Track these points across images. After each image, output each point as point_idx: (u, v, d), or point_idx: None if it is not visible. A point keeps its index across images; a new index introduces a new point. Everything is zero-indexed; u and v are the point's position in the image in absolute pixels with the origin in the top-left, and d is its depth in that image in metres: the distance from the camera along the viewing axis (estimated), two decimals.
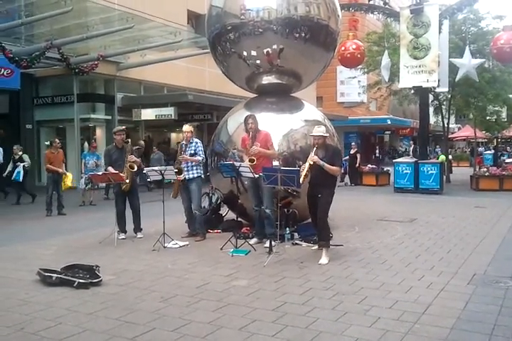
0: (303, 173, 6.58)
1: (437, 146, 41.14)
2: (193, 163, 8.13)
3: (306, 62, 8.75)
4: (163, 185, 8.44)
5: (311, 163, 6.64)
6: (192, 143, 8.19)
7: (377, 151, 32.62)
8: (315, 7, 8.33)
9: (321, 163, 6.62)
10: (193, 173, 8.13)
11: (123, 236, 8.22)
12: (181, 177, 8.00)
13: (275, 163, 7.71)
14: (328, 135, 7.13)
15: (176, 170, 7.95)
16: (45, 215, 11.38)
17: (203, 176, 8.30)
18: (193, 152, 8.14)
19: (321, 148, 6.80)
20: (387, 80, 17.18)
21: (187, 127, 8.32)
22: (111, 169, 8.27)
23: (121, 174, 8.03)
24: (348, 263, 6.48)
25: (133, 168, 8.19)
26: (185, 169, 8.12)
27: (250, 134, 7.53)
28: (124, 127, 8.96)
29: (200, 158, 8.13)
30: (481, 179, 17.28)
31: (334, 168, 6.71)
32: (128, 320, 4.41)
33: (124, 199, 8.51)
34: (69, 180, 11.98)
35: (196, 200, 8.16)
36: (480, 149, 33.06)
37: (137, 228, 8.58)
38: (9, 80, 15.78)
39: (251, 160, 7.28)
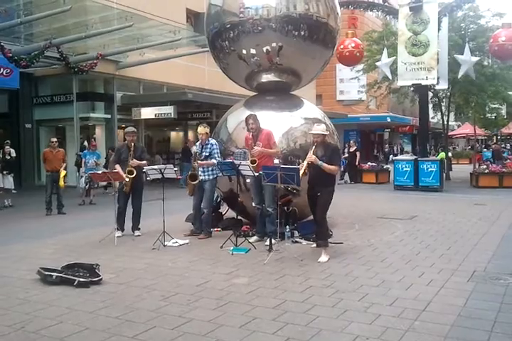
0: (301, 171, 6.56)
1: (440, 144, 41.08)
2: None
3: (305, 60, 8.74)
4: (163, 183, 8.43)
5: (309, 162, 6.62)
6: (208, 144, 8.15)
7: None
8: (314, 5, 8.31)
9: (319, 162, 6.57)
10: (208, 175, 8.13)
11: (119, 234, 8.20)
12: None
13: (275, 161, 7.70)
14: (327, 133, 7.09)
15: (191, 175, 8.08)
16: (45, 214, 11.38)
17: (219, 175, 8.12)
18: (207, 154, 8.09)
19: (320, 147, 6.76)
20: (390, 77, 17.17)
21: (201, 128, 8.15)
22: (118, 167, 8.37)
23: (121, 173, 8.04)
24: (348, 260, 6.48)
25: (131, 174, 8.17)
26: (201, 170, 8.14)
27: (252, 134, 7.53)
28: (134, 129, 8.79)
29: (215, 162, 8.00)
30: (480, 176, 17.29)
31: (332, 167, 6.64)
32: (128, 319, 4.41)
33: (126, 198, 8.55)
34: (61, 178, 11.58)
35: (208, 200, 8.20)
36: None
37: (135, 227, 8.60)
38: (8, 80, 15.80)
39: (252, 162, 7.25)
